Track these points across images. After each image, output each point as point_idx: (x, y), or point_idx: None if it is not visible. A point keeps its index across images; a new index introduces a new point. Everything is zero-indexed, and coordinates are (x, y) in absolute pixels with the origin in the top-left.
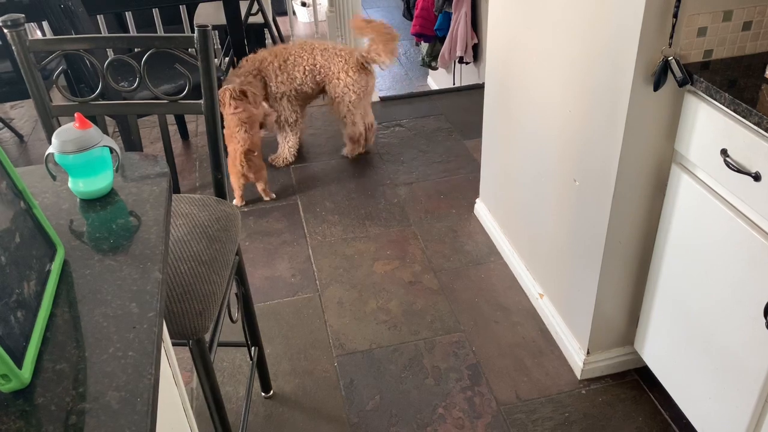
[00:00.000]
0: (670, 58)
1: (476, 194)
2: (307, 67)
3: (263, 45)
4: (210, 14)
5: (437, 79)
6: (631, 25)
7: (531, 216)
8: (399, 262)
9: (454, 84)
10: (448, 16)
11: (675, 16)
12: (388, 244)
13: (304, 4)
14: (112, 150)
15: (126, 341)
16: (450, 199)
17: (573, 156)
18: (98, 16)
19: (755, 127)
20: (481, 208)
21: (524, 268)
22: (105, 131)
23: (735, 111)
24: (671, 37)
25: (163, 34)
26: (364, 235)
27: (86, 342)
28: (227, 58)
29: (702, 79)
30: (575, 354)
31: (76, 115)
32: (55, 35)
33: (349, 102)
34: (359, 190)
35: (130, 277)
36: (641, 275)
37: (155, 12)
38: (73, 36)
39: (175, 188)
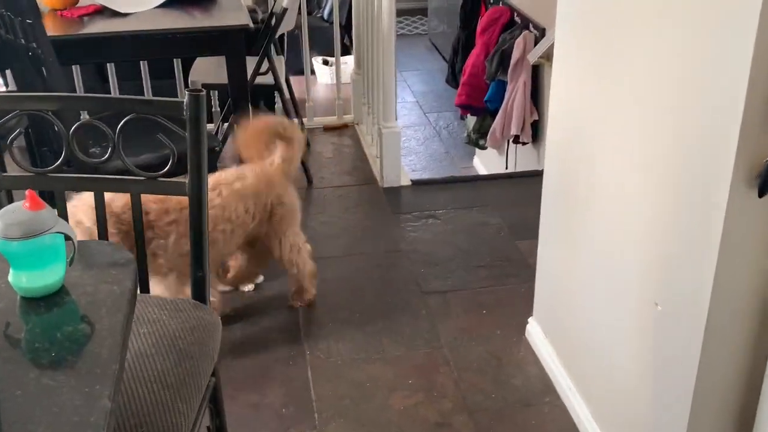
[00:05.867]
0: None
1: (529, 312)
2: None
3: (272, 109)
4: (209, 70)
5: (486, 162)
6: (728, 115)
7: (599, 346)
8: (424, 395)
9: (506, 168)
10: (502, 86)
11: None
12: (410, 371)
13: (326, 63)
14: (67, 237)
15: None
16: (495, 315)
17: (654, 273)
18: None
19: None
20: (534, 331)
21: (588, 415)
22: (63, 206)
23: None
24: None
25: (145, 97)
26: (379, 356)
27: None
28: (226, 124)
29: None
30: None
31: (27, 192)
32: (17, 86)
33: None
34: (378, 296)
35: (71, 404)
36: (743, 431)
37: (143, 65)
38: (36, 94)
39: (144, 287)
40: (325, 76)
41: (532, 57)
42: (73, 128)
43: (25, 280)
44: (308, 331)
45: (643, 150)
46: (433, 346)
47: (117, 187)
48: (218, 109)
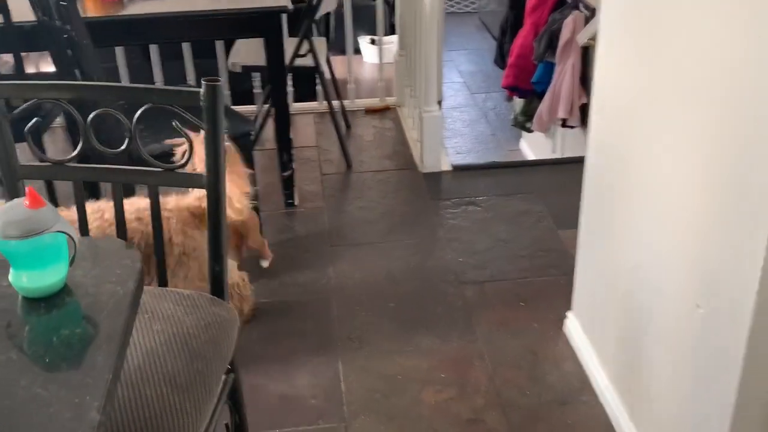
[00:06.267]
0: None
1: (568, 305)
2: None
3: (313, 92)
4: (250, 51)
5: (533, 144)
6: None
7: (639, 345)
8: (456, 390)
9: (553, 152)
10: (550, 68)
11: None
12: (443, 364)
13: (373, 42)
14: (68, 236)
15: None
16: (533, 308)
17: (696, 274)
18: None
19: None
20: (573, 326)
21: (626, 416)
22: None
23: None
24: None
25: (161, 86)
26: (412, 348)
27: None
28: (266, 106)
29: None
30: None
31: (27, 189)
32: (56, 68)
33: None
34: (413, 285)
35: (59, 416)
36: None
37: (185, 44)
38: (49, 82)
39: (162, 280)
40: (372, 56)
41: (582, 38)
42: (90, 117)
43: (25, 279)
44: (341, 320)
45: (689, 143)
46: (468, 339)
47: (134, 179)
48: (261, 90)
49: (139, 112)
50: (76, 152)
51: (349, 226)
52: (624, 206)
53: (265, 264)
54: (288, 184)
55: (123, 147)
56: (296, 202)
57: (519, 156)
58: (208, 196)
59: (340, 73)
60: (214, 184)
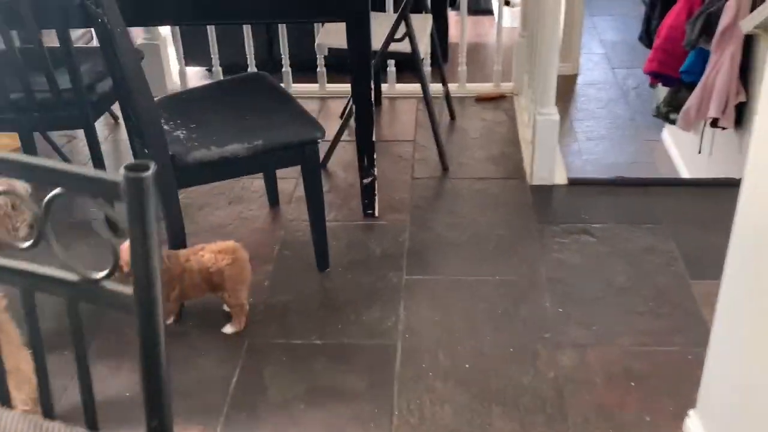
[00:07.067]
0: None
1: (693, 396)
2: None
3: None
4: (340, 31)
5: (677, 138)
6: None
7: None
8: None
9: (699, 152)
10: (703, 56)
11: None
12: None
13: (507, 3)
14: None
15: None
16: (645, 392)
17: None
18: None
19: None
20: (695, 429)
21: None
22: None
23: None
24: None
25: (75, 169)
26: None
27: None
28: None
29: None
30: None
31: None
32: (101, 47)
33: None
34: (497, 341)
35: None
36: None
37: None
38: None
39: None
40: (505, 18)
41: (746, 25)
42: None
43: None
44: (402, 382)
45: None
46: (556, 429)
47: (47, 288)
48: None
49: (47, 197)
50: None
51: (433, 249)
52: None
53: (228, 330)
54: (368, 192)
55: (32, 241)
56: (376, 213)
57: (660, 148)
58: (139, 324)
59: (471, 36)
60: (147, 302)
